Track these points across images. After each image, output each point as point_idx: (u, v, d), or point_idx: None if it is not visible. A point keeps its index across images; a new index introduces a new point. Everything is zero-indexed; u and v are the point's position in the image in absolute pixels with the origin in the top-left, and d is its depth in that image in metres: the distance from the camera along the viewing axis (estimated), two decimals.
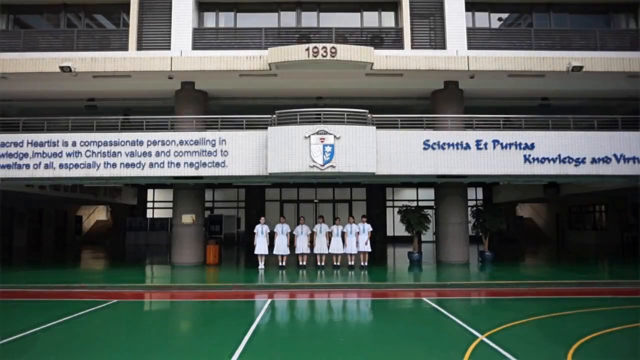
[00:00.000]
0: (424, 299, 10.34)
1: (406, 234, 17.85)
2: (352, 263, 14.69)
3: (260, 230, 14.61)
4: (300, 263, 14.69)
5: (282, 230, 14.74)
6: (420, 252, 17.23)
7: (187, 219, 16.38)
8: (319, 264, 14.66)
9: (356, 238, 14.63)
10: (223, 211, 28.58)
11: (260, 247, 14.49)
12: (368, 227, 14.80)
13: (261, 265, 14.44)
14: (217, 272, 14.49)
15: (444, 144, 14.11)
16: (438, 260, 16.80)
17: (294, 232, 14.87)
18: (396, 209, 21.18)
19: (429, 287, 11.83)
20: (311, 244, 14.85)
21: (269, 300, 10.19)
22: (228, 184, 22.65)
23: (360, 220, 15.20)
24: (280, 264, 14.67)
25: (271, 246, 14.86)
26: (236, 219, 28.13)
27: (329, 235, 14.92)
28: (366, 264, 14.59)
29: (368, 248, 14.66)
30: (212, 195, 29.32)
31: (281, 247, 14.73)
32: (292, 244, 15.25)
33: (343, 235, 14.70)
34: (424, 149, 14.07)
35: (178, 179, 14.94)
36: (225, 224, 27.14)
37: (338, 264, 14.52)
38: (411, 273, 14.53)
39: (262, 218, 14.98)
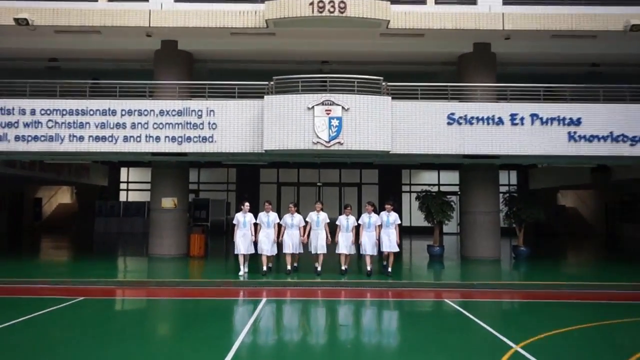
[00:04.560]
0: (446, 300, 10.40)
1: (425, 224, 17.85)
2: (370, 268, 12.65)
3: (242, 221, 12.54)
4: (289, 267, 12.72)
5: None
6: (442, 246, 17.25)
7: (168, 203, 16.40)
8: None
9: (376, 233, 12.57)
10: (210, 194, 28.57)
11: (243, 243, 12.51)
12: (395, 218, 12.61)
13: (243, 270, 12.60)
14: (202, 266, 14.51)
15: (472, 118, 14.08)
16: (463, 255, 16.86)
17: (280, 223, 12.82)
18: (414, 195, 21.14)
19: (452, 287, 11.86)
20: (306, 240, 12.85)
21: (264, 300, 10.25)
22: (216, 163, 22.63)
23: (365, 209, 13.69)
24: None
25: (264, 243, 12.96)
26: (225, 203, 28.19)
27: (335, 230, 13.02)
28: (390, 269, 12.71)
29: (395, 247, 12.56)
30: (198, 176, 29.26)
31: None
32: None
33: (357, 229, 12.85)
34: (449, 123, 14.06)
35: (157, 155, 14.89)
36: (213, 210, 27.16)
37: (346, 267, 12.82)
38: (431, 270, 14.51)
39: (246, 204, 12.81)
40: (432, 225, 17.10)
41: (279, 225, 12.83)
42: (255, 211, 13.14)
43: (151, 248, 16.53)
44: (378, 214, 12.94)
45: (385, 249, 12.53)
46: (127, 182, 30.89)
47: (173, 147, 14.09)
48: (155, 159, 15.67)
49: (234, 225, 12.73)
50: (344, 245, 12.62)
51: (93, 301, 10.13)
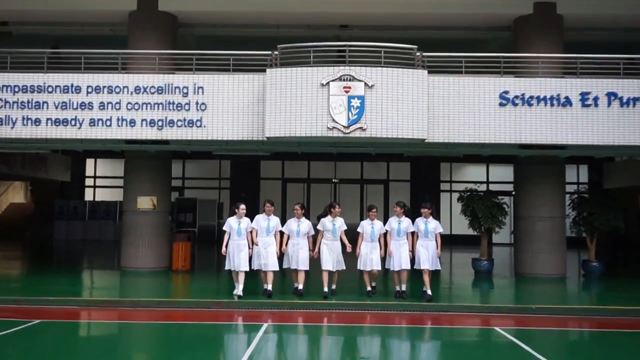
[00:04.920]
0: (496, 329, 10.40)
1: (470, 232, 17.83)
2: (403, 288, 12.41)
3: (237, 229, 12.23)
4: (298, 287, 12.53)
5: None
6: (491, 260, 17.27)
7: (145, 203, 16.49)
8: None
9: (410, 242, 12.38)
10: (198, 193, 28.63)
11: (236, 258, 12.16)
12: (435, 226, 12.40)
13: (238, 290, 12.22)
14: (187, 282, 14.58)
15: (531, 97, 14.05)
16: (517, 272, 16.85)
17: (283, 229, 12.65)
18: (456, 195, 21.05)
19: (503, 311, 11.82)
20: (313, 251, 12.59)
21: (265, 325, 10.24)
22: (206, 154, 22.43)
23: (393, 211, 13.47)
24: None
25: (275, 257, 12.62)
26: (217, 204, 28.23)
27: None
28: (429, 292, 12.29)
29: (437, 263, 12.44)
30: (182, 170, 29.38)
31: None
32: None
33: (385, 237, 12.50)
34: (501, 105, 14.07)
35: (132, 143, 14.91)
36: (201, 212, 27.26)
37: (372, 287, 12.65)
38: (477, 290, 14.55)
39: (242, 206, 12.46)
40: (479, 233, 17.06)
41: (282, 233, 12.64)
42: (254, 215, 12.68)
43: (124, 260, 16.59)
44: (411, 217, 12.73)
45: (423, 265, 12.17)
46: (95, 177, 31.08)
47: (152, 133, 14.11)
48: (130, 147, 15.67)
49: (226, 232, 12.40)
50: (368, 258, 12.33)
51: (51, 325, 10.12)
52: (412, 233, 12.48)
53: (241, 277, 12.23)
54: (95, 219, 28.39)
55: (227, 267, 12.36)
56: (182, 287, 14.12)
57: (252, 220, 12.48)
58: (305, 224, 12.55)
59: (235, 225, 12.21)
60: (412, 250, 12.43)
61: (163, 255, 16.61)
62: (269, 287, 12.34)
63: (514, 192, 17.86)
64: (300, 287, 12.56)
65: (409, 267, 12.35)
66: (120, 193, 19.38)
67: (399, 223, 12.38)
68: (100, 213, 28.53)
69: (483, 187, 18.54)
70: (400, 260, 12.27)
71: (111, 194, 29.73)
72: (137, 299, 12.10)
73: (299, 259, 12.39)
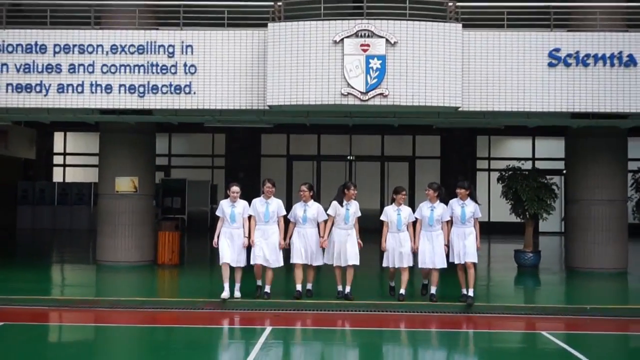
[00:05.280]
0: (544, 333, 10.39)
1: (512, 218, 17.86)
2: (432, 290, 12.08)
3: (230, 214, 11.99)
4: (298, 288, 12.17)
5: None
6: (537, 252, 17.19)
7: (125, 185, 16.54)
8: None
9: (445, 233, 12.02)
10: (188, 173, 28.75)
11: (229, 248, 11.93)
12: (474, 210, 12.05)
13: (226, 291, 11.79)
14: (175, 279, 14.74)
15: (588, 56, 13.91)
16: (569, 266, 16.93)
17: (288, 216, 12.38)
18: (494, 174, 20.97)
19: (552, 312, 11.88)
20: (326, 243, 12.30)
21: (269, 329, 10.29)
22: (196, 126, 22.52)
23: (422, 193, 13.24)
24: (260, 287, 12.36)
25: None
26: (210, 186, 28.26)
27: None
28: (471, 293, 11.87)
29: (474, 256, 11.88)
30: (169, 145, 29.38)
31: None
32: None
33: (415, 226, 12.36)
34: (551, 65, 13.96)
35: (109, 114, 14.96)
36: (192, 196, 27.33)
37: (403, 292, 12.08)
38: (520, 288, 14.58)
39: (233, 188, 12.12)
40: (523, 220, 17.09)
41: (286, 220, 12.31)
42: (252, 198, 12.41)
43: (100, 252, 16.66)
44: (446, 202, 12.21)
45: (459, 258, 11.84)
46: (64, 155, 31.06)
47: (132, 102, 14.12)
48: (106, 118, 15.73)
49: (219, 219, 12.19)
50: (396, 253, 12.00)
51: (16, 328, 10.22)
52: (448, 222, 12.08)
53: (237, 275, 12.03)
54: (65, 203, 28.29)
55: (222, 261, 11.86)
56: (169, 284, 14.24)
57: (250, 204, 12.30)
58: (314, 208, 12.16)
59: (229, 209, 11.93)
60: (447, 244, 11.99)
61: (146, 247, 16.66)
62: (267, 288, 12.06)
63: (565, 171, 17.93)
64: (309, 286, 12.39)
65: (444, 265, 11.94)
66: (95, 173, 19.46)
67: (432, 210, 11.93)
68: (71, 197, 28.40)
69: (528, 165, 18.43)
70: (433, 257, 11.86)
71: (84, 174, 29.74)
72: (117, 298, 12.17)
73: (309, 251, 12.09)
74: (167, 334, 10.45)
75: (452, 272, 12.19)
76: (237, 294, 11.97)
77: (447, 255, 12.00)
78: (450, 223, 12.08)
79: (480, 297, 12.66)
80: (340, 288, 12.26)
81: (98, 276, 15.03)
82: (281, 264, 12.08)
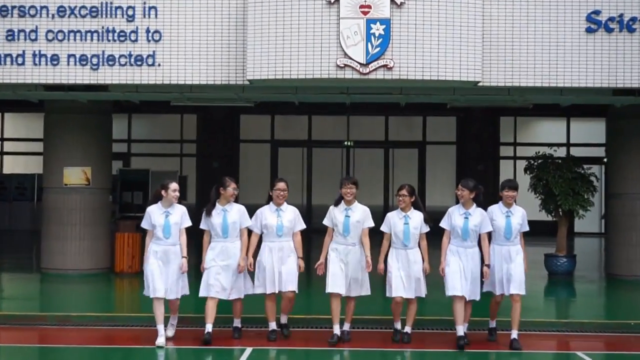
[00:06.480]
0: (579, 353, 10.36)
1: (542, 216, 17.82)
2: (462, 331, 10.46)
3: (164, 225, 10.58)
4: (272, 324, 10.97)
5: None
6: (572, 256, 17.29)
7: (75, 177, 16.59)
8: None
9: (487, 252, 10.49)
10: (151, 162, 28.80)
11: (162, 276, 10.52)
12: (523, 219, 10.65)
13: (162, 336, 10.42)
14: (136, 290, 14.12)
15: (634, 20, 13.80)
16: (610, 273, 17.14)
17: (251, 227, 10.94)
18: (521, 163, 20.95)
19: (589, 329, 11.92)
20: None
21: (249, 350, 10.17)
22: (163, 105, 22.46)
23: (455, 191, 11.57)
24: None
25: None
26: (178, 178, 27.82)
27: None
28: (516, 335, 10.55)
29: (521, 286, 10.54)
30: (128, 129, 29.62)
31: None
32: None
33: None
34: (589, 30, 13.87)
35: (55, 90, 14.85)
36: (156, 189, 27.05)
37: (409, 330, 10.78)
38: (551, 299, 14.75)
39: (172, 186, 10.75)
40: (555, 218, 17.21)
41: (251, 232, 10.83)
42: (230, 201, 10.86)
43: (46, 258, 16.74)
44: (483, 206, 10.60)
45: (501, 288, 10.46)
46: (2, 140, 31.39)
47: (83, 75, 14.05)
48: (52, 96, 15.72)
49: (147, 233, 10.84)
50: (399, 278, 10.51)
51: None
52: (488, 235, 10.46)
53: (172, 308, 10.77)
54: (3, 199, 28.54)
55: (152, 295, 10.53)
56: (129, 296, 14.05)
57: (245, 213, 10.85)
58: (289, 213, 10.79)
59: (161, 218, 10.54)
60: (487, 264, 10.46)
61: (102, 252, 16.78)
62: (284, 319, 11.04)
63: (605, 159, 17.73)
64: (284, 319, 11.07)
65: (478, 297, 10.55)
66: (39, 162, 19.26)
67: (466, 217, 10.36)
68: (10, 191, 28.68)
69: (561, 152, 18.38)
70: (466, 284, 10.34)
71: (26, 163, 29.91)
72: (66, 313, 12.27)
73: (283, 274, 10.63)
74: (126, 356, 10.37)
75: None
76: (169, 332, 10.68)
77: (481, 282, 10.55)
78: (489, 236, 10.53)
79: (503, 310, 11.32)
80: (336, 329, 10.65)
81: (43, 287, 15.13)
82: (241, 295, 10.93)
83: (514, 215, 10.33)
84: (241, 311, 10.90)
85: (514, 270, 10.26)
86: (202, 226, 10.80)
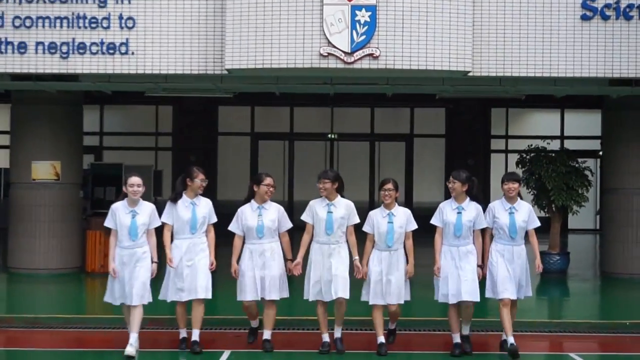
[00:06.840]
0: (571, 355, 10.64)
1: (535, 212, 17.47)
2: (465, 332, 10.53)
3: (130, 225, 10.13)
4: (254, 326, 10.82)
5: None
6: (565, 254, 17.50)
7: (44, 171, 16.72)
8: (382, 338, 10.42)
9: (479, 248, 10.21)
10: (125, 156, 28.55)
11: (120, 283, 10.21)
12: (530, 217, 10.38)
13: (132, 345, 9.98)
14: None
15: (631, 7, 13.94)
16: (604, 271, 17.39)
17: (232, 229, 10.60)
18: (513, 157, 21.02)
19: (582, 329, 12.14)
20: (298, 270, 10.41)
21: (227, 353, 10.35)
22: (136, 95, 22.46)
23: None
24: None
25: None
26: (153, 172, 28.05)
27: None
28: (512, 339, 10.26)
29: (528, 289, 10.55)
30: (100, 121, 29.64)
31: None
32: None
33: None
34: (584, 18, 14.04)
35: (22, 80, 14.96)
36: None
37: (383, 339, 10.36)
38: (544, 299, 14.90)
39: (133, 179, 10.24)
40: (548, 214, 17.31)
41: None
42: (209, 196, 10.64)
43: (13, 257, 16.91)
44: (478, 200, 10.26)
45: (508, 294, 10.07)
46: None
47: (52, 64, 14.17)
48: (18, 86, 15.81)
49: (110, 233, 10.36)
50: (381, 282, 10.13)
51: None
52: (483, 231, 10.19)
53: (134, 317, 10.10)
54: None
55: (111, 301, 10.49)
56: (101, 297, 13.90)
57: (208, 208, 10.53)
58: (272, 212, 10.37)
59: (127, 218, 10.06)
60: (481, 265, 10.14)
61: (72, 251, 16.84)
62: (267, 334, 10.52)
63: (601, 152, 17.79)
64: (267, 335, 10.54)
65: (477, 298, 10.02)
66: (6, 156, 19.18)
67: (459, 212, 10.00)
68: None
69: (555, 145, 18.41)
70: (459, 285, 9.97)
71: None
72: (34, 315, 12.38)
73: (267, 278, 10.27)
74: (98, 358, 10.52)
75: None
76: (130, 349, 9.91)
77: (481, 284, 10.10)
78: (487, 233, 10.24)
79: (492, 310, 11.60)
80: (325, 337, 10.40)
81: (10, 287, 15.26)
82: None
83: (519, 212, 9.99)
84: (202, 318, 10.46)
85: (519, 273, 10.17)
86: (164, 219, 10.30)
